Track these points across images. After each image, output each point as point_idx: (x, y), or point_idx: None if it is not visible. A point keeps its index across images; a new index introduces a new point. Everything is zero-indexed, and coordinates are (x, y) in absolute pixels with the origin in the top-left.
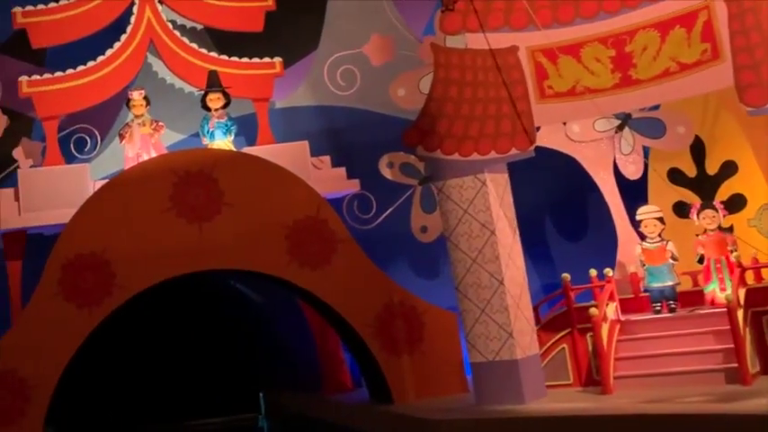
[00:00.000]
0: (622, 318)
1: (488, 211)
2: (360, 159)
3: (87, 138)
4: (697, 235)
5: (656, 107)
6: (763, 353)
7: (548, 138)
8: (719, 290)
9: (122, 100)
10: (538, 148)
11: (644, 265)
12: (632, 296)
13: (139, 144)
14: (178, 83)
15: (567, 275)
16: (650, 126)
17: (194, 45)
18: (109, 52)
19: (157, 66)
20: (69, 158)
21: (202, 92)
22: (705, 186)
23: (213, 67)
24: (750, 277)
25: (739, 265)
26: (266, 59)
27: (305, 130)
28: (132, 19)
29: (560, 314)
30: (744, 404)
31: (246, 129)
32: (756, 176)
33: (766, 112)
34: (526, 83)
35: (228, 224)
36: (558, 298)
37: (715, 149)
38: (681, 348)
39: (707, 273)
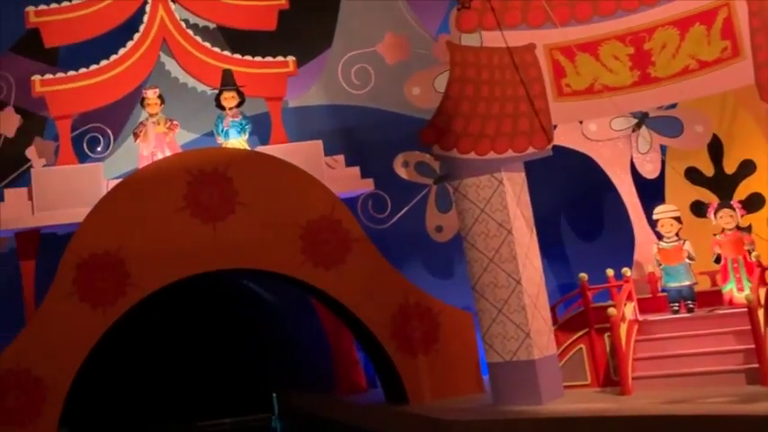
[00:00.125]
0: (640, 318)
1: (505, 210)
2: (374, 158)
3: (100, 137)
4: (715, 234)
5: (674, 106)
6: None
7: (564, 136)
8: (737, 290)
9: (135, 99)
10: (554, 147)
11: (660, 264)
12: (650, 296)
13: (154, 143)
14: (191, 82)
15: (584, 275)
16: (668, 125)
17: (207, 44)
18: (122, 51)
19: (170, 65)
20: (82, 158)
21: (216, 91)
22: (723, 185)
23: (226, 66)
24: None
25: (759, 264)
26: (279, 58)
27: (318, 130)
28: (145, 18)
29: (577, 314)
30: (765, 405)
31: (259, 128)
32: None
33: None
34: (543, 81)
35: (243, 224)
36: (574, 298)
37: (733, 148)
38: (700, 349)
39: (724, 272)
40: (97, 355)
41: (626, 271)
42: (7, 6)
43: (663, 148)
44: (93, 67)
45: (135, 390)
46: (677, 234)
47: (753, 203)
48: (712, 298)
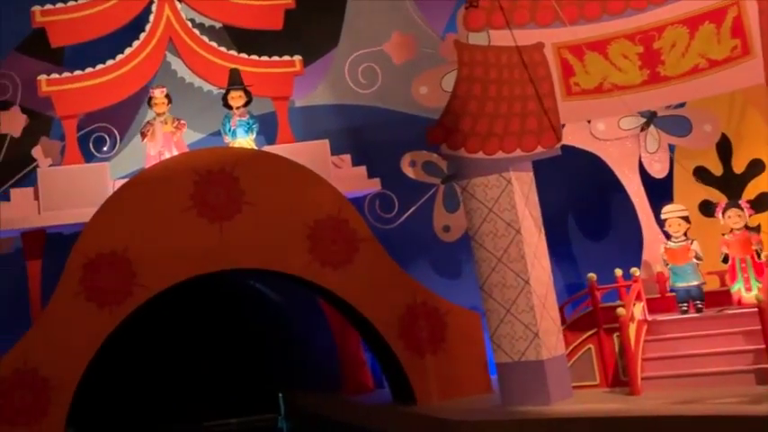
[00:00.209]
0: (649, 318)
1: (513, 209)
2: (381, 158)
3: (106, 137)
4: (723, 234)
5: (682, 105)
6: None
7: (572, 136)
8: (745, 289)
9: (141, 99)
10: (562, 147)
11: (667, 264)
12: (659, 296)
13: (162, 142)
14: (197, 82)
15: (592, 275)
16: (676, 124)
17: (213, 43)
18: (128, 51)
19: (176, 64)
20: (88, 157)
21: (224, 90)
22: (732, 185)
23: (232, 66)
24: None
25: None
26: (286, 58)
27: (325, 129)
28: (151, 17)
29: (586, 314)
30: None
31: (266, 127)
32: None
33: None
34: (552, 80)
35: (249, 223)
36: (582, 298)
37: (741, 148)
38: (709, 349)
39: (732, 272)
40: (103, 355)
41: (635, 271)
42: (12, 6)
43: (671, 148)
44: (100, 66)
45: (141, 390)
46: (685, 234)
47: (761, 203)
48: (721, 298)
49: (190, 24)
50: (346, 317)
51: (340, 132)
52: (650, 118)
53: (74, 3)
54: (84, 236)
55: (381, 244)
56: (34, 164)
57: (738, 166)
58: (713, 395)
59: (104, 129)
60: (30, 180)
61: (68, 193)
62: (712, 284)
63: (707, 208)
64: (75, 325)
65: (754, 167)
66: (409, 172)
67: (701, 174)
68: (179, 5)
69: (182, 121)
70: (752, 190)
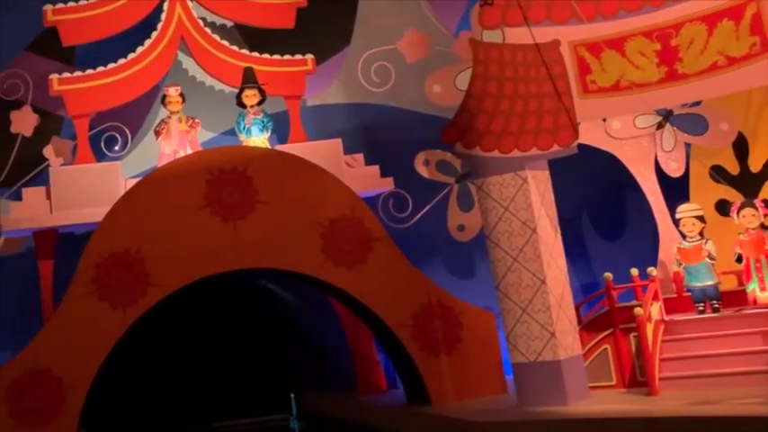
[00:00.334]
0: (666, 318)
1: (529, 208)
2: (395, 157)
3: (117, 136)
4: (740, 234)
5: (698, 103)
6: None
7: (587, 135)
8: (759, 289)
9: (152, 98)
10: (578, 145)
11: (680, 264)
12: (675, 296)
13: (177, 140)
14: (208, 80)
15: (609, 275)
16: (692, 122)
17: (225, 42)
18: (139, 50)
19: (187, 63)
20: (99, 157)
21: (235, 89)
22: (748, 184)
23: (244, 65)
24: None
25: None
26: (298, 56)
27: (337, 128)
28: (162, 16)
29: (602, 314)
30: None
31: (277, 126)
32: None
33: None
34: (568, 78)
35: (263, 223)
36: (597, 298)
37: (758, 146)
38: (728, 349)
39: (747, 272)
40: (113, 355)
41: (652, 270)
42: (24, 5)
43: (687, 146)
44: (111, 65)
45: (152, 390)
46: (701, 233)
47: None
48: (739, 297)
49: (201, 23)
50: (360, 317)
51: (352, 131)
52: (666, 116)
53: (85, 2)
54: (97, 235)
55: (395, 243)
56: (46, 163)
57: (755, 164)
58: (733, 396)
59: (116, 128)
60: (41, 179)
61: (80, 193)
62: (730, 284)
63: (723, 207)
64: (88, 325)
65: None
66: (423, 171)
67: (718, 172)
68: (190, 4)
69: (196, 120)
70: None
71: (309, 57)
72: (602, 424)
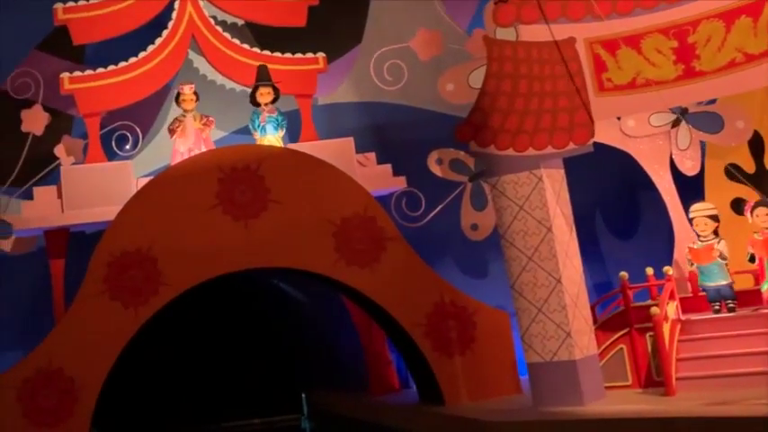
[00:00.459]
0: (683, 317)
1: (545, 207)
2: (407, 156)
3: (128, 135)
4: (755, 233)
5: (713, 101)
6: None
7: (602, 133)
8: None
9: (164, 97)
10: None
11: (692, 264)
12: (691, 295)
13: (193, 139)
14: (219, 79)
15: (624, 274)
16: (708, 120)
17: (236, 41)
18: (150, 48)
19: (198, 62)
20: (110, 155)
21: (247, 87)
22: (764, 182)
23: (256, 63)
24: None
25: None
26: (309, 55)
27: (349, 127)
28: (173, 15)
29: (618, 313)
30: None
31: (289, 125)
32: None
33: None
34: (584, 75)
35: (275, 221)
36: (612, 297)
37: None
38: (744, 349)
39: (761, 272)
40: (125, 355)
41: (668, 269)
42: (34, 4)
43: (703, 144)
44: (122, 64)
45: (163, 390)
46: (715, 232)
47: None
48: (755, 297)
49: (212, 21)
50: (372, 316)
51: (364, 130)
52: (681, 114)
53: (96, 0)
54: (108, 234)
55: (408, 242)
56: (57, 162)
57: None
58: (751, 396)
59: (127, 127)
60: (52, 178)
61: (92, 192)
62: (746, 283)
63: (739, 206)
64: (100, 324)
65: None
66: (436, 170)
67: (734, 170)
68: (201, 3)
69: (210, 118)
70: None
71: (321, 55)
72: (618, 424)
